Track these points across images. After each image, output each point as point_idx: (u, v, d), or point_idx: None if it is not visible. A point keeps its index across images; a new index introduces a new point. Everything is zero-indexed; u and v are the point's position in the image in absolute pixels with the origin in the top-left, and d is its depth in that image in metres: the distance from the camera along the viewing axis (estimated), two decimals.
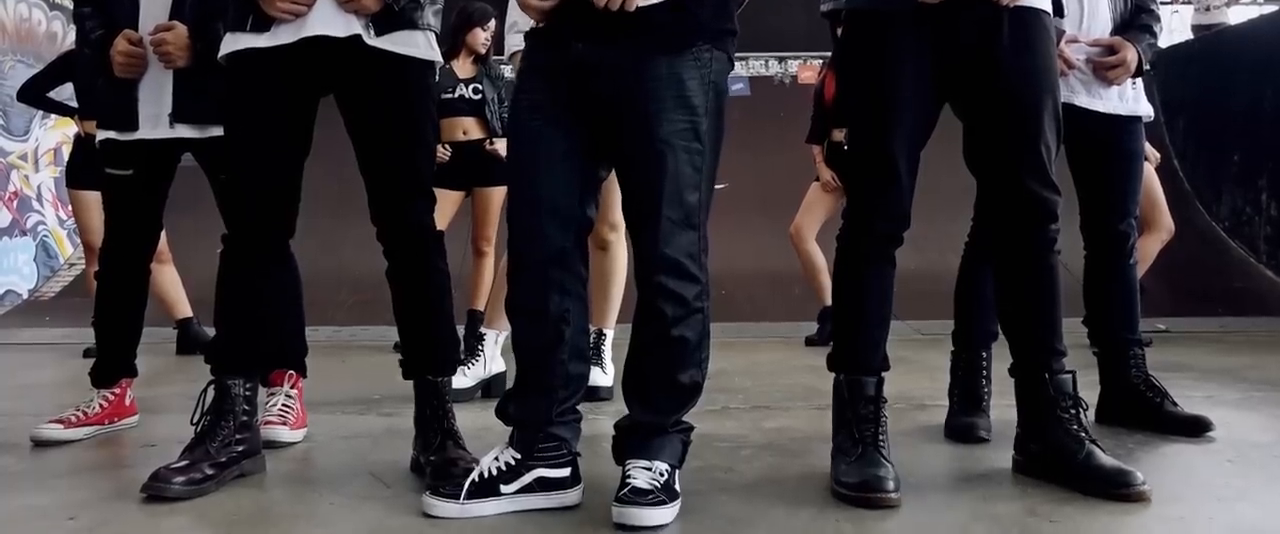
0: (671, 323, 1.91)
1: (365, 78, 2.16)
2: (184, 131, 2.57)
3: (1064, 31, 2.54)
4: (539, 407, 1.95)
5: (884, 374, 2.17)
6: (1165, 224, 4.72)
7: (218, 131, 2.40)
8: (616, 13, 1.82)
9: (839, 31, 2.23)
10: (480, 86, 4.85)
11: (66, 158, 5.30)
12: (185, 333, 4.89)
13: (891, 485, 1.98)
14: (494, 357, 3.35)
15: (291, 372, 2.72)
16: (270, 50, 2.12)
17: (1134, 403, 2.69)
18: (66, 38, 10.70)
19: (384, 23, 2.13)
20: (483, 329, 3.42)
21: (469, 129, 4.81)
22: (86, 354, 4.74)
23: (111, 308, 2.74)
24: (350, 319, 6.07)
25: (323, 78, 2.18)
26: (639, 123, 1.88)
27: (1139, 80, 2.65)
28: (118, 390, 2.78)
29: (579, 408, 2.05)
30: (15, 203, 9.65)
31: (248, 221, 2.22)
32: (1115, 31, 2.62)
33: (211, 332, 4.67)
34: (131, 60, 2.54)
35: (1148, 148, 4.69)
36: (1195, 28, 11.26)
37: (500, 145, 4.90)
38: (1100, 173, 2.66)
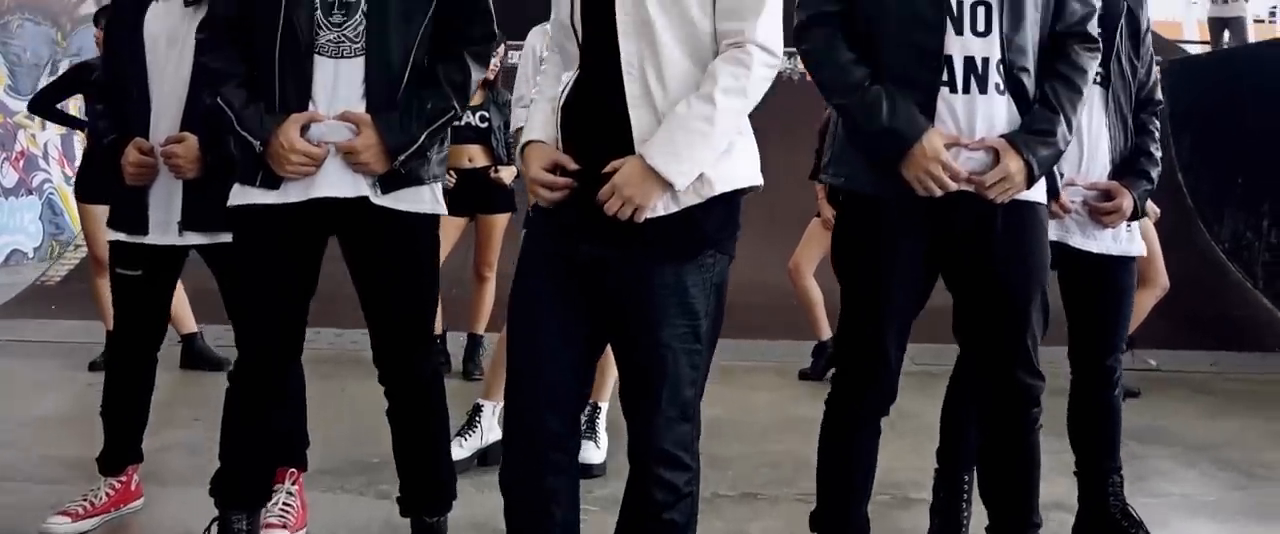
0: (662, 508, 1.96)
1: (371, 235, 2.20)
2: (193, 238, 2.62)
3: (1063, 173, 2.56)
4: None
5: None
6: (1161, 281, 4.77)
7: (226, 237, 2.44)
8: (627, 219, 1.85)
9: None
10: (487, 114, 4.87)
11: (79, 144, 5.32)
12: (190, 348, 4.98)
13: None
14: (490, 427, 3.44)
15: (293, 469, 2.80)
16: (279, 205, 2.16)
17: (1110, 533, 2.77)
18: None
19: (390, 182, 2.17)
20: (479, 400, 3.50)
21: (474, 156, 4.84)
22: (92, 367, 4.84)
23: (119, 398, 2.81)
24: (356, 320, 6.12)
25: (329, 228, 2.23)
26: (641, 325, 1.91)
27: (1134, 222, 2.68)
28: (124, 478, 2.86)
29: None
30: (21, 162, 9.69)
31: (255, 361, 2.28)
32: (1113, 172, 2.65)
33: (217, 347, 4.73)
34: (142, 170, 2.57)
35: (1148, 203, 4.75)
36: (1212, 20, 11.20)
37: (505, 173, 4.93)
38: (1092, 309, 2.71)
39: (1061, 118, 2.06)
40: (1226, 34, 10.66)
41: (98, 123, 2.73)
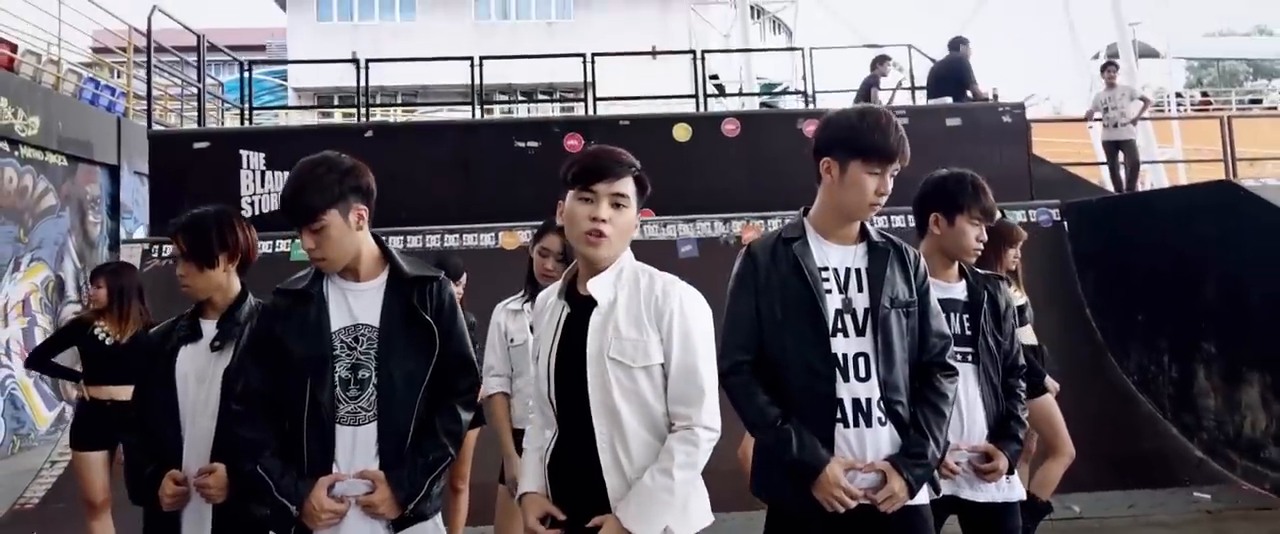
0: None
1: None
2: None
3: (948, 440, 3.11)
4: None
5: None
6: (1067, 450, 5.32)
7: None
8: None
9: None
10: None
11: (41, 338, 5.64)
12: None
13: None
14: None
15: None
16: None
17: None
18: (36, 189, 11.04)
19: (401, 523, 2.64)
20: None
21: None
22: None
23: None
24: None
25: None
26: None
27: (1013, 474, 3.23)
28: None
29: None
30: None
31: None
32: (990, 433, 3.20)
33: None
34: (177, 499, 3.01)
35: (1048, 380, 5.34)
36: (1106, 143, 12.08)
37: None
38: None
39: (930, 441, 2.62)
40: (1120, 154, 11.49)
41: (134, 455, 3.15)
